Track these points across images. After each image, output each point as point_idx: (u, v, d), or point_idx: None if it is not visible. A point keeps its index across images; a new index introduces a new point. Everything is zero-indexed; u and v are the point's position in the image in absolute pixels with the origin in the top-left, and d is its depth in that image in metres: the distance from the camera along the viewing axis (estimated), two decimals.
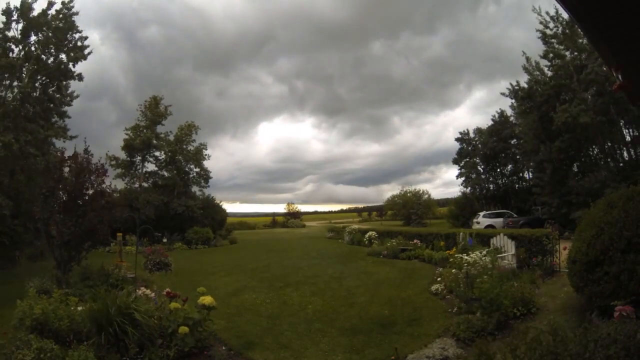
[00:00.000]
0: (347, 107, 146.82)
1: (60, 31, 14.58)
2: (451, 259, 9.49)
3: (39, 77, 14.46)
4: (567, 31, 19.33)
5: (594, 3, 2.66)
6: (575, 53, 19.50)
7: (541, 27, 20.31)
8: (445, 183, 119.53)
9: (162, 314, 5.32)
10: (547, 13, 20.02)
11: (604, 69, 15.93)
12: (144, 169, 25.44)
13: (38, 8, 14.23)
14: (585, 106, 18.29)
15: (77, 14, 15.23)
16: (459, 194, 32.05)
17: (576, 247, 5.37)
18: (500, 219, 22.66)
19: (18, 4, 13.73)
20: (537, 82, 21.46)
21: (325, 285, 9.46)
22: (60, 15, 14.77)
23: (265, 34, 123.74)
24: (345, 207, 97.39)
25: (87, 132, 35.63)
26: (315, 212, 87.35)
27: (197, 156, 26.11)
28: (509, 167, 30.72)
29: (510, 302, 5.81)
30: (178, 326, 5.00)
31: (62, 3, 14.82)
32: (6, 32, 13.60)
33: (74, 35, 15.20)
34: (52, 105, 14.84)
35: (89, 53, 15.59)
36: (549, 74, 20.85)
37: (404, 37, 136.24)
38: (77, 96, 15.80)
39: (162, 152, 25.49)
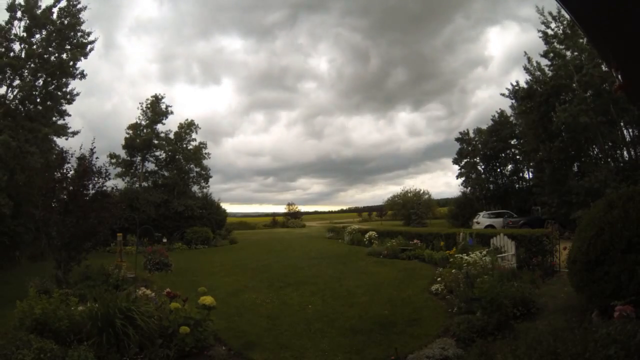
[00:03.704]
0: None
1: (65, 28, 14.52)
2: (451, 259, 9.50)
3: (40, 74, 14.43)
4: (568, 31, 19.34)
5: (594, 3, 2.66)
6: (576, 53, 19.51)
7: (542, 27, 20.36)
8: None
9: (162, 314, 5.32)
10: (550, 13, 20.07)
11: (605, 69, 15.93)
12: (144, 169, 25.49)
13: (43, 4, 14.26)
14: (585, 106, 18.29)
15: (84, 9, 15.18)
16: (459, 193, 32.14)
17: (576, 247, 5.36)
18: (500, 219, 22.66)
19: (22, 1, 13.70)
20: (537, 82, 21.48)
21: (325, 285, 9.45)
22: (67, 10, 14.71)
23: None
24: (345, 207, 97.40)
25: None
26: (316, 212, 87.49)
27: (197, 155, 26.14)
28: (509, 167, 30.72)
29: (510, 302, 5.80)
30: (178, 326, 5.00)
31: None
32: (9, 30, 13.57)
33: (77, 33, 15.17)
34: (50, 103, 14.78)
35: (91, 50, 15.57)
36: (550, 74, 20.86)
37: None
38: (78, 94, 15.83)
39: (162, 151, 25.54)
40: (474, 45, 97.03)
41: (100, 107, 55.23)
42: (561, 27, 19.85)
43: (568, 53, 19.84)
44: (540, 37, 20.50)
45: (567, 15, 18.97)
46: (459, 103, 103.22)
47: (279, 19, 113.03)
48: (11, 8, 13.58)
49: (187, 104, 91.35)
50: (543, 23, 20.27)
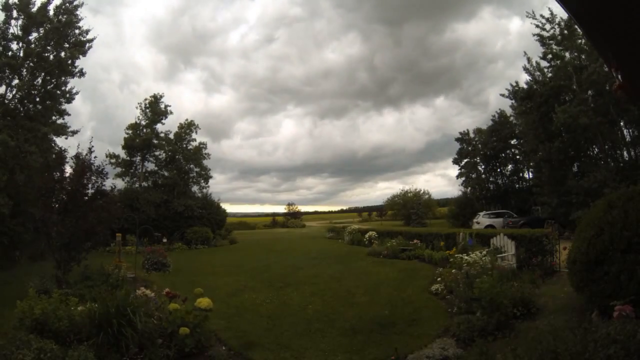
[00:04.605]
0: None
1: (62, 26, 14.45)
2: (451, 259, 9.50)
3: (38, 73, 14.36)
4: (566, 32, 19.31)
5: (594, 3, 2.66)
6: (575, 54, 19.49)
7: (537, 30, 20.31)
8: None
9: (162, 314, 5.32)
10: (542, 16, 19.96)
11: (605, 69, 15.92)
12: (144, 169, 25.47)
13: (38, 2, 14.14)
14: (585, 106, 18.28)
15: (80, 5, 15.07)
16: (459, 193, 32.14)
17: (576, 247, 5.36)
18: (500, 219, 22.64)
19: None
20: (536, 82, 21.47)
21: (325, 285, 9.45)
22: (63, 8, 14.66)
23: None
24: (345, 207, 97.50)
25: None
26: (316, 212, 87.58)
27: (197, 155, 26.13)
28: (509, 167, 30.77)
29: (510, 302, 5.81)
30: (178, 327, 5.00)
31: None
32: (7, 30, 13.54)
33: (75, 31, 15.11)
34: (49, 102, 14.73)
35: (89, 48, 15.50)
36: (550, 74, 20.85)
37: None
38: (77, 92, 15.76)
39: (162, 151, 25.52)
40: (486, 41, 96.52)
41: (100, 106, 55.26)
42: (557, 29, 19.80)
43: (567, 54, 19.82)
44: (536, 40, 20.47)
45: (561, 17, 19.04)
46: (464, 102, 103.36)
47: (294, 13, 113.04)
48: (6, 7, 13.55)
49: (191, 103, 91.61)
50: (538, 26, 20.22)
